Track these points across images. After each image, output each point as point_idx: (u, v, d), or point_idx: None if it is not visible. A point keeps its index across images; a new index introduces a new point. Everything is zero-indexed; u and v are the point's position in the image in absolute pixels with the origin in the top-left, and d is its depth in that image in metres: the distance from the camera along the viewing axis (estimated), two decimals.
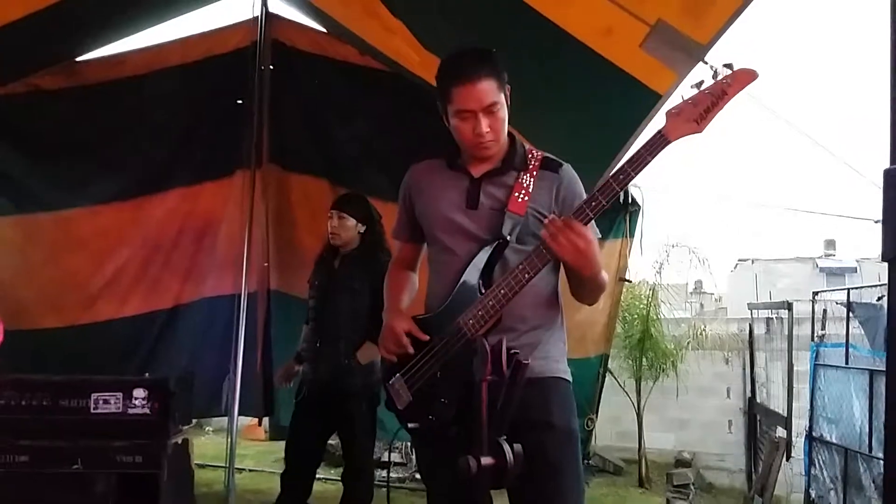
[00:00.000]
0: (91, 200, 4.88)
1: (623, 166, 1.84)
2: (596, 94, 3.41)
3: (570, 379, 2.17)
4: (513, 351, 1.62)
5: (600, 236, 2.08)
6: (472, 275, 2.03)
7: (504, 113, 2.05)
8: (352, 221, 3.64)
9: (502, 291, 1.93)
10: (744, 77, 1.77)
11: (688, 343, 7.90)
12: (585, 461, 5.93)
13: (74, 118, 4.79)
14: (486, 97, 2.00)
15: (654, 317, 7.51)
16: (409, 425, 2.07)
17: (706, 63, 2.70)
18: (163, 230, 4.96)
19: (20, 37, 4.04)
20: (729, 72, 1.78)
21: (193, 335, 5.09)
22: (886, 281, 1.40)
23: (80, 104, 4.74)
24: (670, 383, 7.58)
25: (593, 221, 1.92)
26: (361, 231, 3.66)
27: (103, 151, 4.85)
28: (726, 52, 2.79)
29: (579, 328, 4.76)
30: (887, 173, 1.22)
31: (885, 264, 1.37)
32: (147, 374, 2.82)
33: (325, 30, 4.76)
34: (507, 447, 1.50)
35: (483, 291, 1.98)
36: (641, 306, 7.51)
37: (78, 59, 4.74)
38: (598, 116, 3.52)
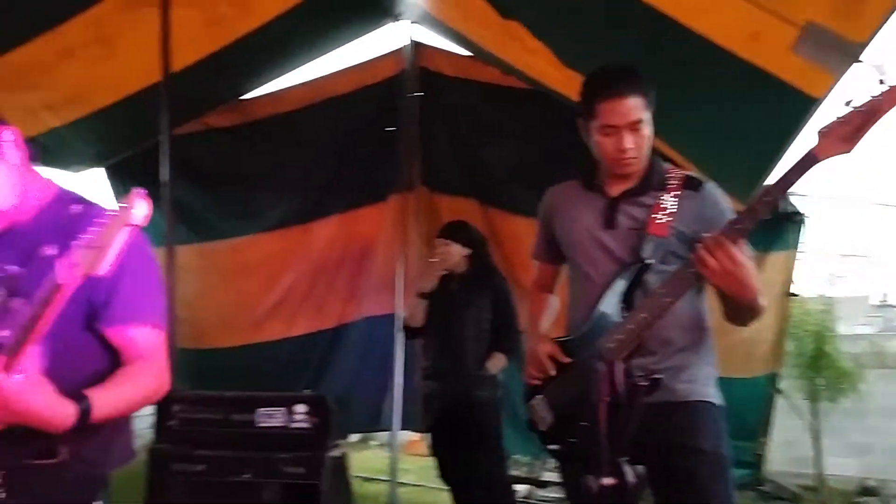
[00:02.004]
0: (259, 228, 5.27)
1: (769, 188, 1.78)
2: (747, 103, 3.26)
3: (720, 403, 2.07)
4: (649, 373, 1.59)
5: (751, 256, 1.99)
6: (612, 298, 2.00)
7: (648, 131, 2.02)
8: (456, 247, 3.85)
9: (643, 316, 1.89)
10: None
11: (869, 361, 7.24)
12: (757, 487, 5.60)
13: (242, 152, 5.22)
14: (632, 113, 1.97)
15: (830, 333, 6.96)
16: (550, 447, 2.07)
17: (862, 62, 2.53)
18: (325, 254, 5.24)
19: (194, 80, 4.45)
20: (884, 87, 1.66)
21: (356, 353, 5.31)
22: None
23: (246, 139, 5.17)
24: (849, 404, 6.98)
25: (746, 243, 1.84)
26: (466, 255, 3.86)
27: (269, 182, 5.23)
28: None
29: (744, 346, 4.52)
30: None
31: None
32: (307, 391, 2.99)
33: (469, 54, 4.87)
34: (627, 468, 1.48)
35: (624, 315, 1.95)
36: (814, 322, 6.99)
37: (243, 97, 5.16)
38: (750, 126, 3.36)
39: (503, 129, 4.88)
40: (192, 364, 5.15)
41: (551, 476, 6.19)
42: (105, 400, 1.42)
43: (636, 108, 1.97)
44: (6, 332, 1.31)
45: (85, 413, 1.37)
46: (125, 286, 1.50)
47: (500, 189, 4.91)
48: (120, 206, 1.22)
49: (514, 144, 4.85)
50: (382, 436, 6.93)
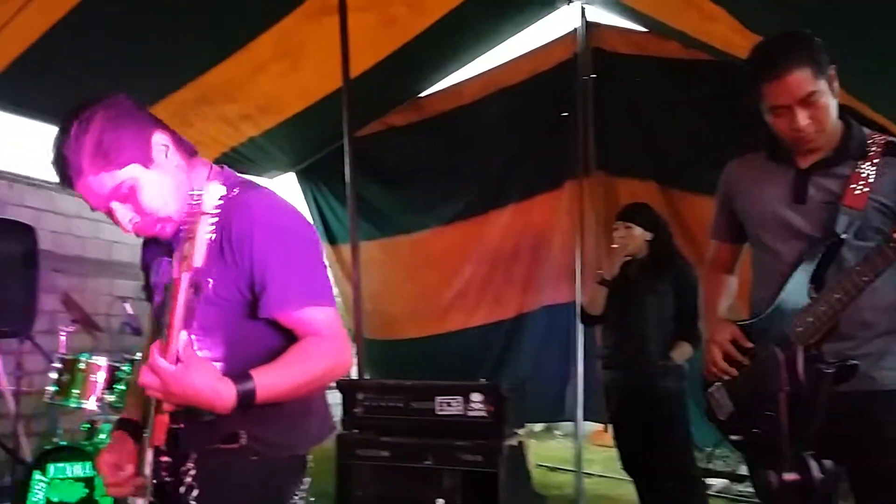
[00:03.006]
0: (438, 221, 5.41)
1: None
2: None
3: None
4: (844, 360, 1.43)
5: None
6: (800, 277, 1.85)
7: (827, 99, 1.84)
8: (638, 230, 3.69)
9: (836, 296, 1.73)
10: None
11: None
12: None
13: (421, 148, 5.39)
14: (800, 89, 1.80)
15: None
16: (732, 437, 1.96)
17: None
18: (502, 244, 5.28)
19: (374, 82, 4.65)
20: None
21: (535, 342, 5.30)
22: None
23: (424, 136, 5.33)
24: None
25: None
26: (648, 239, 3.70)
27: (445, 176, 5.35)
28: None
29: None
30: None
31: None
32: (483, 380, 3.02)
33: (645, 29, 4.68)
34: (813, 463, 1.34)
35: (814, 296, 1.79)
36: None
37: (420, 95, 5.31)
38: None
39: (684, 106, 4.63)
40: (380, 354, 5.40)
41: (746, 469, 5.84)
42: (272, 378, 1.43)
43: (804, 81, 1.80)
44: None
45: (246, 394, 1.38)
46: (277, 271, 1.49)
47: (683, 169, 4.67)
48: (195, 196, 1.25)
49: (696, 121, 4.58)
50: (567, 425, 6.88)
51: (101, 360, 3.75)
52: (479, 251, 5.32)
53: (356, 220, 4.38)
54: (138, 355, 3.71)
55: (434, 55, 4.92)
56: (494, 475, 2.72)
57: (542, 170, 5.12)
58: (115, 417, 3.60)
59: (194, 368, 1.35)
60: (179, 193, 1.52)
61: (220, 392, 1.37)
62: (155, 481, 1.45)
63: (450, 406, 2.87)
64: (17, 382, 4.33)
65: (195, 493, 1.49)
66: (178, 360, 1.33)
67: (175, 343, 1.32)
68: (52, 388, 3.73)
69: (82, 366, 3.70)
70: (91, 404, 3.68)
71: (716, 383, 2.00)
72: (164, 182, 1.52)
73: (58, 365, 3.74)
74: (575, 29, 4.87)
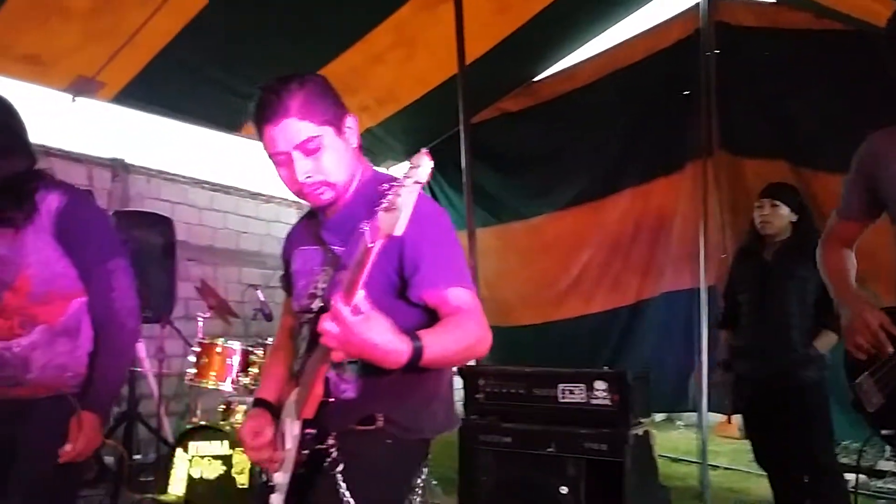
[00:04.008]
0: (554, 207, 5.34)
1: None
2: None
3: None
4: None
5: None
6: None
7: None
8: (785, 210, 3.50)
9: None
10: None
11: None
12: None
13: (534, 133, 5.33)
14: None
15: None
16: (883, 431, 1.83)
17: None
18: (620, 229, 5.15)
19: (488, 68, 4.64)
20: None
21: (655, 330, 5.15)
22: None
23: (538, 120, 5.26)
24: None
25: None
26: (794, 221, 3.51)
27: (560, 160, 5.27)
28: None
29: None
30: None
31: None
32: (606, 368, 2.96)
33: (773, 0, 4.44)
34: None
35: None
36: None
37: (535, 79, 5.25)
38: None
39: (817, 80, 4.35)
40: (496, 341, 5.36)
41: (888, 465, 5.50)
42: (436, 340, 1.47)
43: None
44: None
45: (418, 351, 1.42)
46: (429, 255, 1.58)
47: (816, 147, 4.39)
48: (409, 168, 1.29)
49: (830, 96, 4.30)
50: (689, 416, 6.67)
51: (236, 345, 3.94)
52: (597, 236, 5.22)
53: (472, 207, 4.40)
54: (270, 340, 3.89)
55: (548, 38, 4.85)
56: (620, 464, 2.68)
57: (663, 151, 4.95)
58: (249, 399, 3.79)
59: (374, 321, 1.39)
60: (349, 169, 1.69)
61: (396, 346, 1.41)
62: (304, 452, 1.56)
63: (573, 393, 2.85)
64: (158, 365, 4.63)
65: (341, 466, 1.59)
66: (358, 312, 1.38)
67: (356, 298, 1.37)
68: (191, 371, 3.96)
69: (219, 350, 3.90)
70: (227, 386, 3.88)
71: (864, 373, 1.88)
72: (345, 155, 1.68)
73: (196, 349, 3.97)
74: (697, 3, 4.68)
